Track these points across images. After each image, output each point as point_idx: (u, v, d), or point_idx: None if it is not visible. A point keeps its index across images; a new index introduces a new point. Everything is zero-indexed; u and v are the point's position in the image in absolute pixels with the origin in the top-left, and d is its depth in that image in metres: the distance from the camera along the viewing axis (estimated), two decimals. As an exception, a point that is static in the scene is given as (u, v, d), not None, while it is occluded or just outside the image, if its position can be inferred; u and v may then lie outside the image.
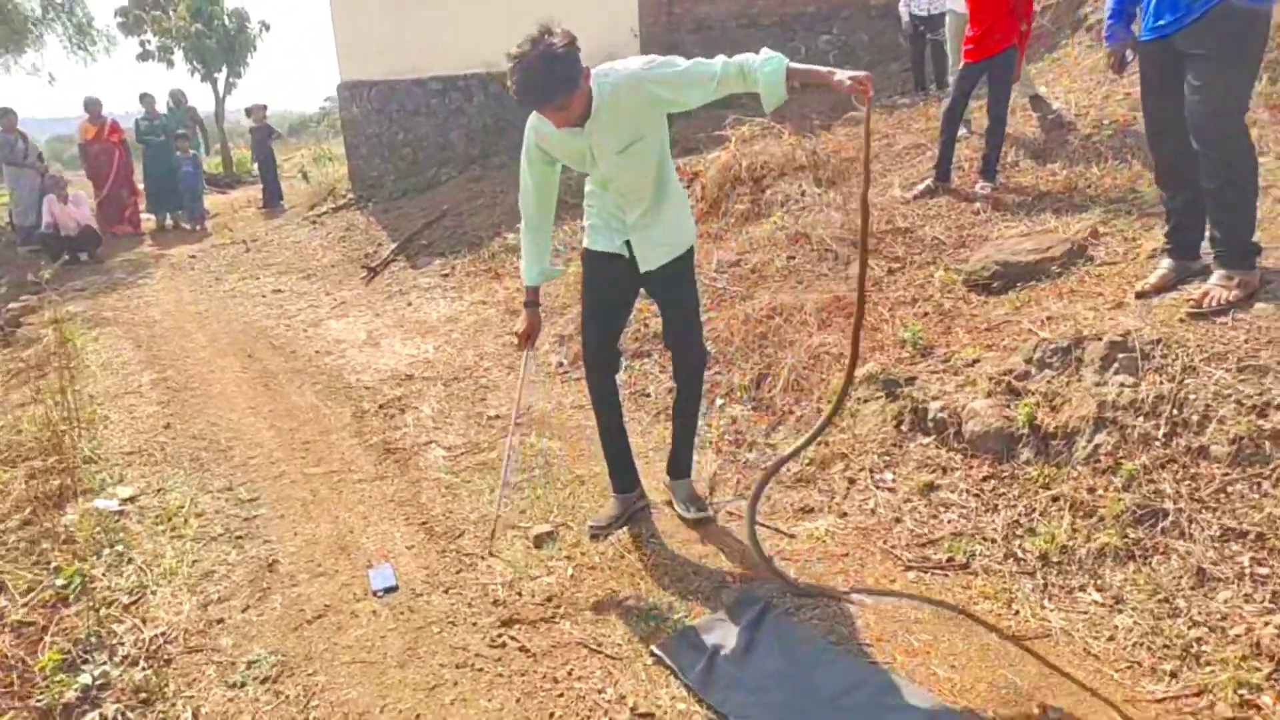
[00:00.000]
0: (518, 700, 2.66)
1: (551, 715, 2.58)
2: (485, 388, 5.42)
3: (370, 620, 3.14)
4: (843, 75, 2.75)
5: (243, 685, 2.84)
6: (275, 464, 4.55)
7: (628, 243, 3.27)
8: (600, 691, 2.65)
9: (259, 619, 3.21)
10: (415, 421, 4.95)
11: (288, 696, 2.78)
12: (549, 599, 3.14)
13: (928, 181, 6.16)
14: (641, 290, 3.47)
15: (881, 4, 11.26)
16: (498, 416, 4.91)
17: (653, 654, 2.76)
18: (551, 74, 2.71)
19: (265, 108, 13.93)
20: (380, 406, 5.22)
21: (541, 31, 2.74)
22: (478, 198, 9.79)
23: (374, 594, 3.28)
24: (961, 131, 6.69)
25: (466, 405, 5.14)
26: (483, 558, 3.46)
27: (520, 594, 3.19)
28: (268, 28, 26.20)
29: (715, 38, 11.38)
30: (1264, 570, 2.57)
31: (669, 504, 3.70)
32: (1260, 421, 2.85)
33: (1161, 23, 3.35)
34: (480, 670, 2.81)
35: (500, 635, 2.97)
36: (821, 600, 2.93)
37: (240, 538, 3.78)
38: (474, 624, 3.05)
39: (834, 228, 5.96)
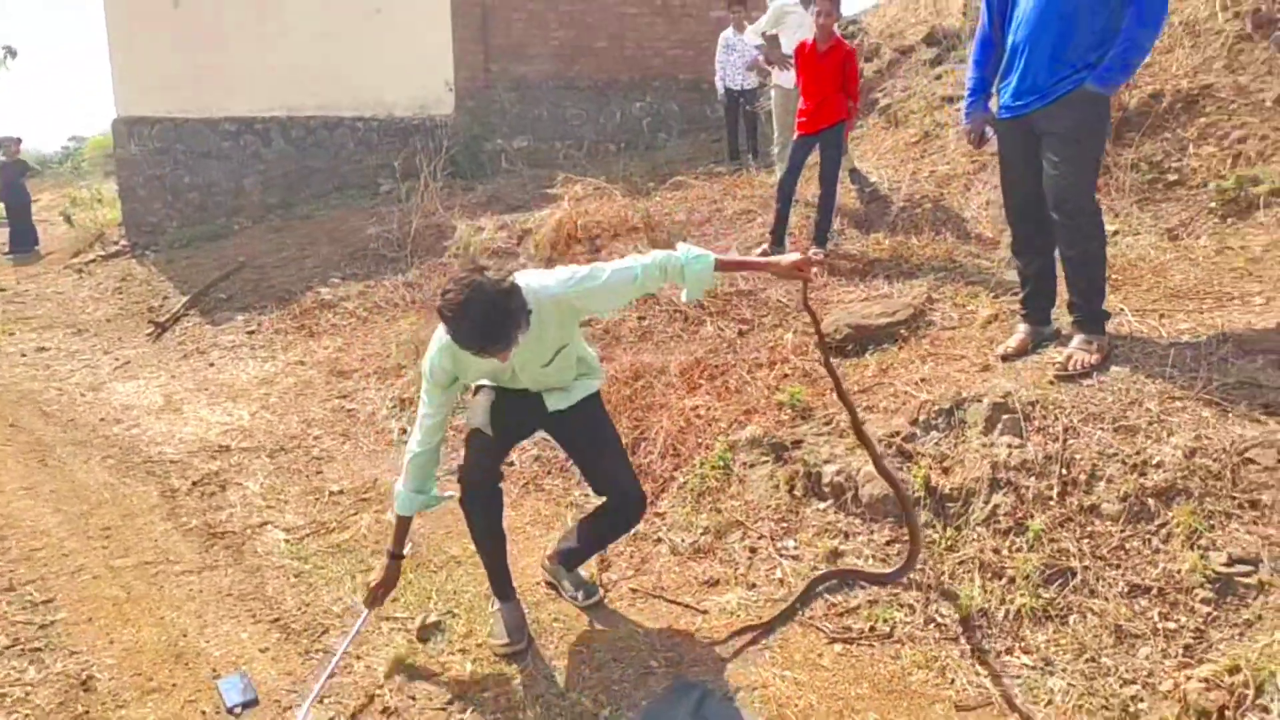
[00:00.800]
0: (437, 828, 2.28)
1: (482, 843, 2.23)
2: (319, 459, 4.89)
3: (231, 743, 2.62)
4: (780, 260, 2.90)
5: (73, 843, 2.27)
6: (69, 556, 3.83)
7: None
8: (535, 808, 2.32)
9: (80, 754, 2.60)
10: (242, 500, 4.36)
11: None
12: (450, 701, 2.77)
13: (764, 246, 6.32)
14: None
15: (690, 78, 11.72)
16: (341, 491, 4.42)
17: (588, 757, 2.47)
18: (509, 315, 2.53)
19: (19, 141, 12.34)
20: (194, 484, 4.57)
21: (474, 268, 2.58)
22: (281, 250, 9.07)
23: (229, 711, 2.76)
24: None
25: (301, 479, 4.60)
26: (358, 658, 3.01)
27: (414, 698, 2.80)
28: (14, 54, 23.44)
29: (533, 96, 11.36)
30: (1172, 625, 2.68)
31: (550, 585, 3.41)
32: (1142, 480, 3.01)
33: (1020, 103, 3.58)
34: (384, 795, 2.40)
35: (399, 749, 2.56)
36: (759, 683, 2.76)
37: (38, 650, 3.11)
38: (364, 738, 2.63)
39: (677, 289, 5.94)
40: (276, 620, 3.27)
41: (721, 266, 2.90)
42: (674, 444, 4.23)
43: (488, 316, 2.47)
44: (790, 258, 2.89)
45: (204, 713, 2.76)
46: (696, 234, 7.04)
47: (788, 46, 7.04)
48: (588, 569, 3.42)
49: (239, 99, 10.59)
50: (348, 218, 9.78)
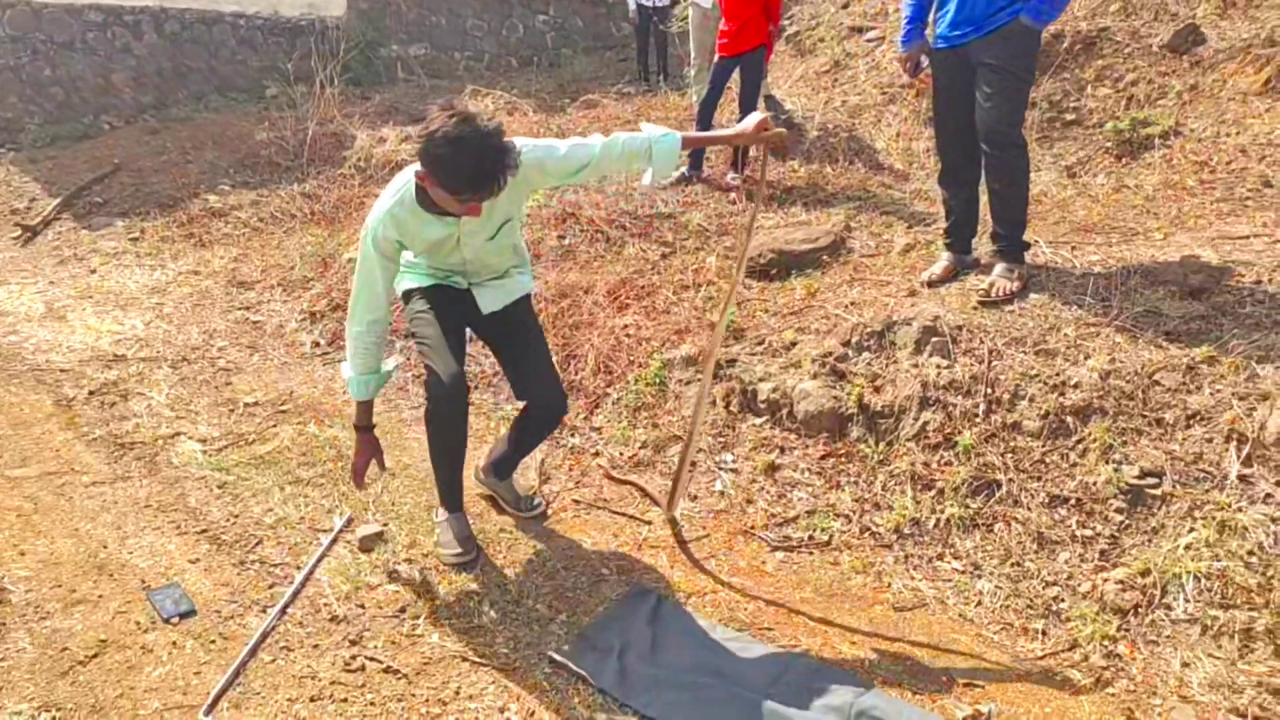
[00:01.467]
0: (404, 731, 2.27)
1: (451, 743, 2.24)
2: (226, 370, 4.66)
3: (172, 654, 2.53)
4: (745, 126, 2.79)
5: (8, 756, 2.16)
6: (-44, 466, 3.55)
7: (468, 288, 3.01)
8: (501, 709, 2.35)
9: (2, 665, 2.46)
10: (148, 410, 4.12)
11: (85, 764, 2.15)
12: (402, 609, 2.74)
13: (683, 169, 6.30)
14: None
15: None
16: (256, 403, 4.23)
17: (551, 661, 2.50)
18: (502, 154, 2.39)
19: None
20: (91, 393, 4.28)
21: (461, 107, 2.40)
22: (160, 153, 8.43)
23: (166, 621, 2.65)
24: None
25: (210, 391, 4.38)
26: (298, 568, 2.94)
27: (363, 606, 2.75)
28: None
29: (431, 2, 10.85)
30: (1088, 532, 2.89)
31: (490, 499, 3.39)
32: (1061, 399, 3.21)
33: (957, 32, 3.65)
34: (344, 701, 2.37)
35: (354, 657, 2.53)
36: (709, 589, 2.84)
37: (-61, 563, 2.88)
38: (315, 647, 2.58)
39: (599, 209, 5.88)
40: (204, 532, 3.14)
41: (687, 144, 2.86)
42: (606, 361, 4.23)
43: (484, 153, 2.35)
44: (753, 119, 2.81)
45: (138, 623, 2.64)
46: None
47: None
48: (529, 482, 3.41)
49: (106, -16, 9.68)
50: (233, 122, 9.16)
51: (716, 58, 6.20)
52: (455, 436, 2.93)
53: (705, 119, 6.20)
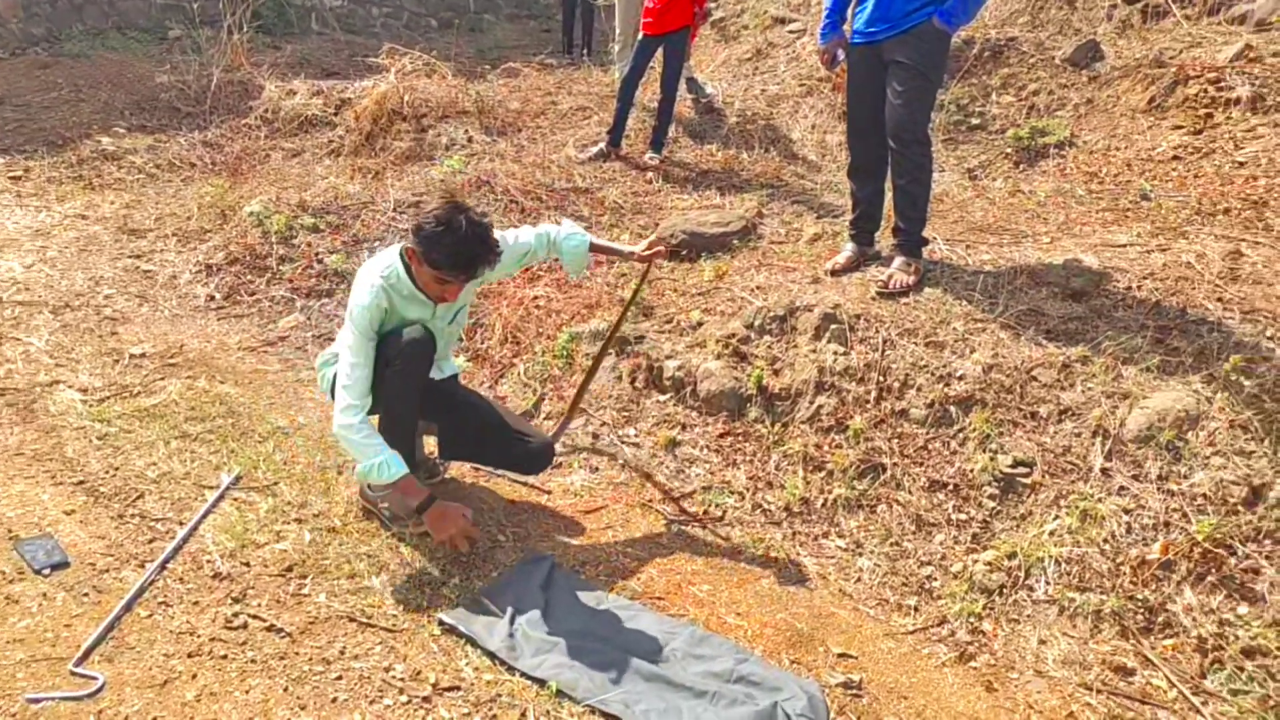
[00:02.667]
0: (285, 688, 2.25)
1: (334, 700, 2.23)
2: (112, 319, 4.47)
3: (41, 605, 2.45)
4: (638, 249, 3.28)
5: None
6: None
7: None
8: (387, 669, 2.34)
9: None
10: (24, 356, 3.93)
11: (-60, 716, 2.06)
12: (289, 569, 2.70)
13: (601, 145, 6.30)
14: None
15: (525, -39, 11.24)
16: (144, 355, 4.08)
17: (441, 623, 2.50)
18: (490, 247, 2.69)
19: None
20: (-38, 335, 4.05)
21: (453, 196, 2.77)
22: (50, 89, 7.96)
23: (37, 572, 2.55)
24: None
25: (94, 339, 4.19)
26: (180, 523, 2.86)
27: (248, 564, 2.70)
28: None
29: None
30: (963, 516, 3.05)
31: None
32: (946, 389, 3.36)
33: (873, 29, 3.75)
34: (224, 658, 2.33)
35: (236, 614, 2.49)
36: (604, 558, 2.89)
37: None
38: (195, 603, 2.52)
39: (514, 179, 5.84)
40: (81, 483, 3.02)
41: (594, 249, 3.24)
42: (514, 332, 4.22)
43: (482, 241, 2.65)
44: (644, 245, 3.29)
45: (3, 573, 2.53)
46: (531, 125, 6.90)
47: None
48: (428, 448, 3.39)
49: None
50: (132, 63, 8.71)
51: (640, 35, 6.20)
52: (418, 387, 2.87)
53: (625, 97, 6.20)
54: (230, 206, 5.63)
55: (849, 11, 3.98)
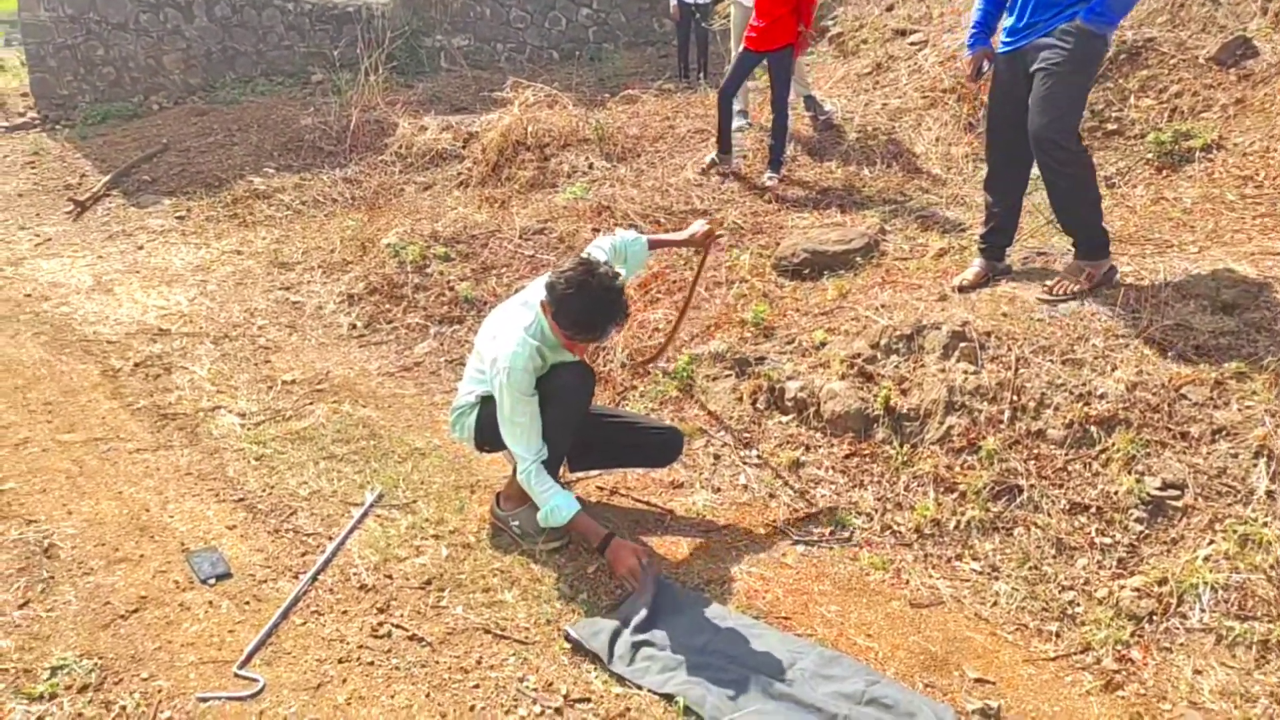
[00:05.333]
0: (427, 695, 2.36)
1: (472, 709, 2.32)
2: (265, 348, 4.78)
3: (208, 612, 2.64)
4: (693, 230, 3.39)
5: (52, 697, 2.26)
6: (9, 429, 3.70)
7: None
8: (521, 679, 2.42)
9: (49, 615, 2.58)
10: (190, 384, 4.25)
11: (124, 709, 2.25)
12: (428, 582, 2.82)
13: (712, 155, 6.37)
14: None
15: (644, -10, 11.47)
16: (294, 381, 4.35)
17: (567, 637, 2.56)
18: (618, 305, 2.77)
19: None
20: (136, 365, 4.43)
21: (588, 259, 2.79)
22: (207, 134, 8.64)
23: (203, 582, 2.76)
24: (740, 122, 6.99)
25: (250, 367, 4.50)
26: (329, 538, 3.03)
27: (391, 577, 2.84)
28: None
29: (475, -4, 11.00)
30: (1107, 540, 2.91)
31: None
32: (1086, 408, 3.22)
33: (1018, 35, 3.59)
34: (370, 664, 2.46)
35: (382, 623, 2.62)
36: (728, 577, 2.90)
37: (-10, 518, 3.01)
38: (344, 613, 2.67)
39: (634, 203, 5.95)
40: (241, 500, 3.25)
41: (652, 245, 3.35)
42: (635, 354, 4.29)
43: (619, 303, 2.75)
44: (698, 227, 3.43)
45: (176, 583, 2.75)
46: (650, 150, 7.01)
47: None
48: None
49: (161, -32, 9.91)
50: (278, 106, 9.35)
51: (741, 48, 6.25)
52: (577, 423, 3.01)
53: (724, 104, 6.24)
54: (369, 239, 5.94)
55: (998, 23, 3.85)
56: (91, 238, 6.55)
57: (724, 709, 2.29)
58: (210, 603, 2.67)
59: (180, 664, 2.41)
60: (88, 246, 6.36)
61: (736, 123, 6.84)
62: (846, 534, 3.15)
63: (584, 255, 2.85)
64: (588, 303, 2.69)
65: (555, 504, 2.84)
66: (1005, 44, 3.67)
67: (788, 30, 6.04)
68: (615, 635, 2.55)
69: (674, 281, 4.93)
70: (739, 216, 5.78)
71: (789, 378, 3.79)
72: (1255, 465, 2.81)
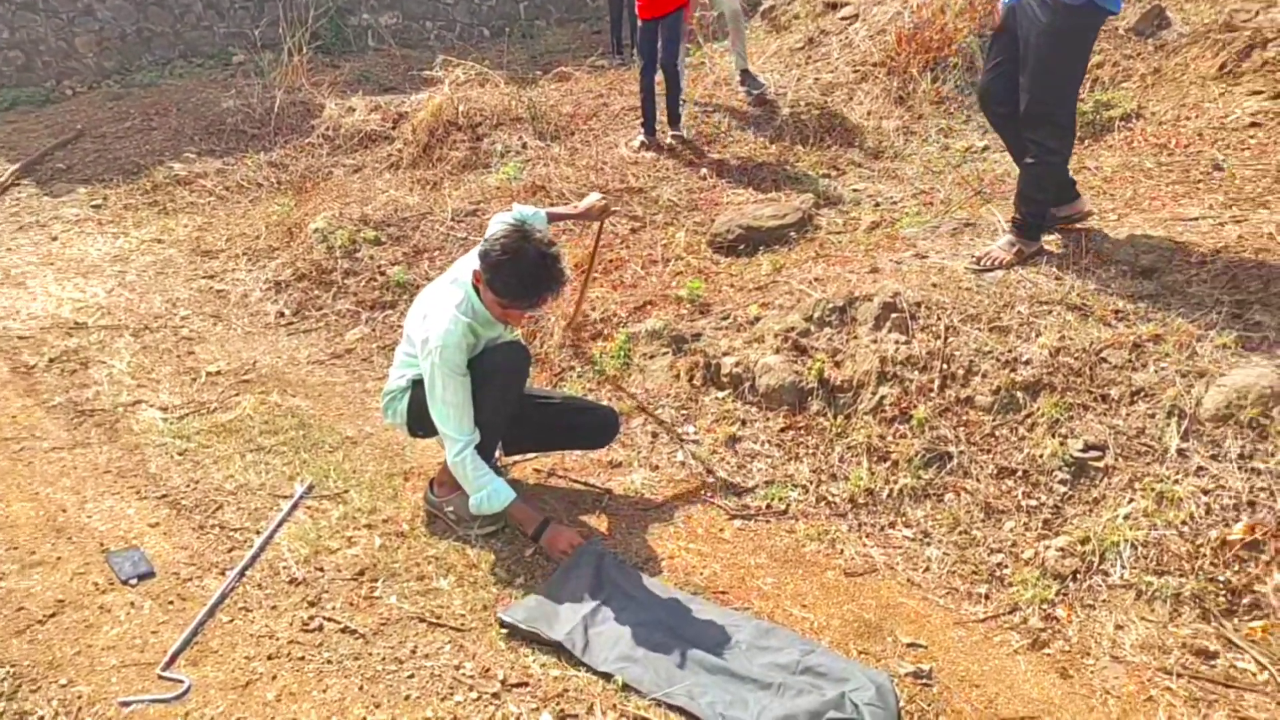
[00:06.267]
0: (360, 687, 2.32)
1: (407, 698, 2.29)
2: (189, 339, 4.64)
3: (130, 614, 2.56)
4: (589, 203, 3.48)
5: (-35, 711, 2.18)
6: (-88, 431, 3.53)
7: None
8: (457, 667, 2.39)
9: (-40, 626, 2.47)
10: (109, 378, 4.10)
11: (41, 718, 2.17)
12: (361, 572, 2.78)
13: (640, 137, 6.36)
14: None
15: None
16: (219, 373, 4.23)
17: (502, 623, 2.54)
18: (555, 271, 2.75)
19: None
20: (51, 360, 4.26)
21: (521, 225, 2.76)
22: (123, 119, 8.30)
23: (125, 583, 2.67)
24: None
25: (172, 359, 4.37)
26: (257, 533, 2.96)
27: (322, 569, 2.79)
28: None
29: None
30: (1033, 502, 2.98)
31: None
32: (1012, 374, 3.29)
33: None
34: (301, 659, 2.41)
35: (312, 617, 2.57)
36: (666, 554, 2.90)
37: (-110, 525, 2.88)
38: (274, 608, 2.61)
39: (569, 182, 5.89)
40: (164, 497, 3.15)
41: (550, 218, 3.32)
42: (571, 333, 4.26)
43: (558, 265, 2.75)
44: (593, 199, 3.47)
45: (96, 584, 2.66)
46: (584, 128, 6.94)
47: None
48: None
49: (69, -57, 9.48)
50: (199, 89, 9.03)
51: (638, 24, 6.24)
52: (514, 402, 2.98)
53: (647, 88, 6.23)
54: (296, 224, 5.79)
55: None
56: (0, 229, 6.27)
57: (662, 684, 2.29)
58: (132, 604, 2.59)
59: (101, 668, 2.34)
60: (-4, 238, 6.09)
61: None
62: (783, 507, 3.17)
63: (520, 228, 2.79)
64: (525, 267, 2.67)
65: (489, 491, 2.80)
66: None
67: None
68: (551, 616, 2.53)
69: (609, 260, 4.90)
70: (674, 194, 5.77)
71: (724, 353, 3.79)
72: (1169, 425, 2.89)
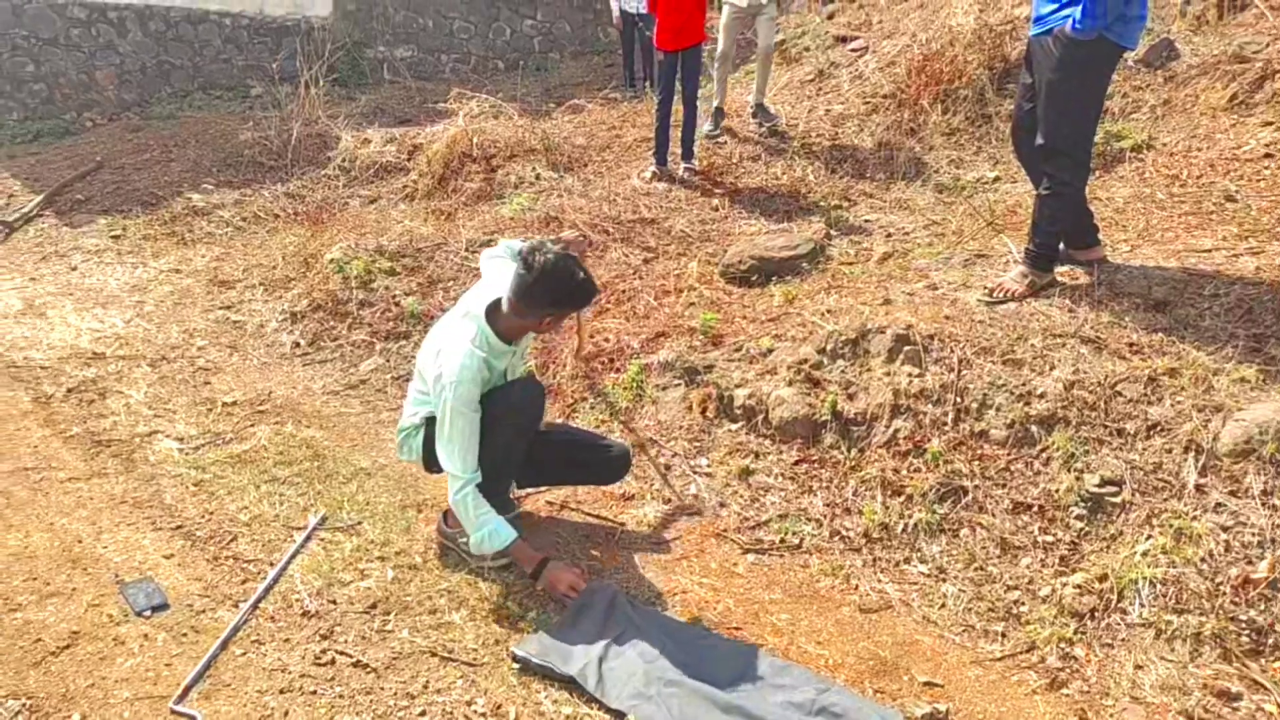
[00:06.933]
0: (372, 724, 2.31)
1: (419, 737, 2.27)
2: (205, 369, 4.67)
3: (144, 646, 2.56)
4: (564, 239, 3.63)
5: (-22, 745, 2.18)
6: (-69, 461, 3.56)
7: None
8: (469, 703, 2.38)
9: (-24, 657, 2.48)
10: (125, 408, 4.13)
11: (54, 754, 2.17)
12: (373, 605, 2.77)
13: (653, 168, 6.42)
14: None
15: (583, -1, 11.47)
16: (235, 403, 4.25)
17: (514, 658, 2.53)
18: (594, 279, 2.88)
19: None
20: (69, 391, 4.29)
21: (540, 242, 2.81)
22: (143, 151, 8.43)
23: (138, 614, 2.68)
24: (709, 127, 7.06)
25: (188, 389, 4.40)
26: (271, 564, 2.96)
27: (335, 602, 2.78)
28: None
29: (418, 4, 10.93)
30: (1049, 538, 2.96)
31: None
32: (1026, 408, 3.27)
33: (1033, 27, 3.54)
34: (313, 693, 2.40)
35: (325, 651, 2.56)
36: (680, 589, 2.89)
37: (-90, 555, 2.90)
38: (286, 641, 2.61)
39: (582, 213, 5.93)
40: (179, 528, 3.16)
41: None
42: (583, 364, 4.27)
43: (588, 275, 2.83)
44: (568, 235, 3.65)
45: (110, 616, 2.67)
46: (597, 160, 7.01)
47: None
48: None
49: (91, -19, 9.68)
50: (216, 121, 9.17)
51: (659, 56, 6.32)
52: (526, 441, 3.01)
53: (662, 119, 6.30)
54: (312, 255, 5.84)
55: None
56: (22, 259, 6.35)
57: (675, 723, 2.27)
58: (146, 636, 2.59)
59: (114, 701, 2.34)
60: (18, 269, 6.16)
61: (707, 127, 6.89)
62: (796, 541, 3.15)
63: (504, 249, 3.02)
64: (567, 276, 2.73)
65: (490, 530, 2.77)
66: (1034, 26, 3.57)
67: (698, 28, 6.17)
68: (564, 652, 2.52)
69: (622, 291, 4.92)
70: (686, 225, 5.81)
71: (737, 385, 3.79)
72: (1185, 460, 2.87)
